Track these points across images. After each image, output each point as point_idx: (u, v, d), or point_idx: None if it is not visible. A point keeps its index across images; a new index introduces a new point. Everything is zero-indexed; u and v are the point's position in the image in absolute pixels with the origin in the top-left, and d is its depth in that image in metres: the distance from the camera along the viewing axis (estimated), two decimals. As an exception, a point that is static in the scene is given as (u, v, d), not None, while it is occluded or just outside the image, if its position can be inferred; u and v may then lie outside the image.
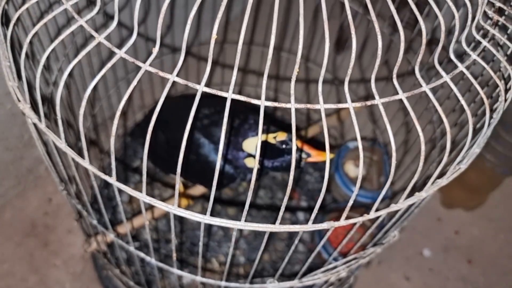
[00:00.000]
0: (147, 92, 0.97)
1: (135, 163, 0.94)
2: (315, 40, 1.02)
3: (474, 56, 0.37)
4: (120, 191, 0.39)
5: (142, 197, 0.37)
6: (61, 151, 0.41)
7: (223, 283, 0.52)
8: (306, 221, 0.89)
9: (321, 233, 0.85)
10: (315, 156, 0.60)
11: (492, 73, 0.37)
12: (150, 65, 0.31)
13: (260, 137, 0.31)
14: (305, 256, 0.87)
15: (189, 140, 0.65)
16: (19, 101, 0.40)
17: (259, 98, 0.31)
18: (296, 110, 1.02)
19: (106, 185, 0.90)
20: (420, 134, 0.33)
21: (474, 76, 0.38)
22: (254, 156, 0.62)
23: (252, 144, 0.61)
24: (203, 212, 0.37)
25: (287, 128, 0.55)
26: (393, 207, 0.39)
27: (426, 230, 1.04)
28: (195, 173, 0.68)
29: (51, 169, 0.51)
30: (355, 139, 0.33)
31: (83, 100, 0.32)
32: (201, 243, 0.42)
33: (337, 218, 0.38)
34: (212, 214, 0.37)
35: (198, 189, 0.81)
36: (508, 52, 0.45)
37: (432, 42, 0.84)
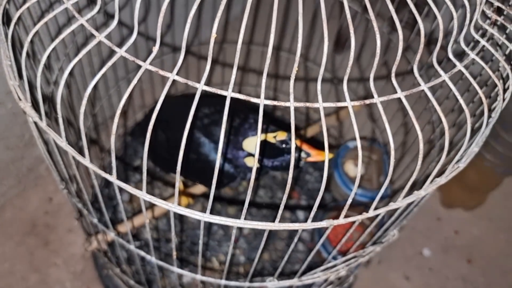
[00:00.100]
0: (147, 92, 0.97)
1: (135, 163, 0.94)
2: (314, 39, 1.02)
3: (472, 55, 0.37)
4: (120, 190, 0.39)
5: (143, 195, 0.37)
6: (62, 149, 0.41)
7: (223, 282, 0.52)
8: (305, 220, 0.89)
9: (320, 232, 0.85)
10: (314, 155, 0.60)
11: (490, 72, 0.38)
12: (151, 64, 0.32)
13: (260, 135, 0.31)
14: (305, 255, 0.88)
15: (190, 139, 0.65)
16: (20, 100, 0.40)
17: (259, 97, 0.31)
18: (296, 109, 1.03)
19: (106, 185, 0.90)
20: (419, 132, 0.33)
21: (473, 76, 0.38)
22: (254, 155, 0.62)
23: (252, 143, 0.62)
24: (203, 211, 0.37)
25: (287, 128, 0.55)
26: (392, 206, 0.39)
27: (426, 229, 1.04)
28: (195, 172, 0.68)
29: (52, 168, 0.52)
30: (355, 139, 0.33)
31: (84, 98, 0.32)
32: (201, 242, 0.43)
33: (337, 217, 0.39)
34: (212, 213, 0.37)
35: (198, 188, 0.81)
36: (507, 52, 0.45)
37: (432, 41, 0.85)
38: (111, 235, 0.55)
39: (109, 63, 0.31)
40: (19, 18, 0.38)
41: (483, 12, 0.42)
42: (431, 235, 1.03)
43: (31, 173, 0.96)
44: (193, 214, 0.37)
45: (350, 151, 0.93)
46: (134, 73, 0.89)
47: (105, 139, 0.94)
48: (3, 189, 0.92)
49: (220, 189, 0.88)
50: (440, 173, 0.42)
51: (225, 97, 0.31)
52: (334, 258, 0.54)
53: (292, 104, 0.31)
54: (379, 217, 0.41)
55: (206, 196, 0.84)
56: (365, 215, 0.38)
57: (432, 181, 0.40)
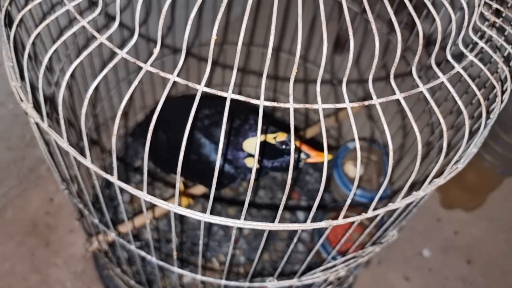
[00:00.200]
0: (148, 93, 0.97)
1: (136, 163, 0.94)
2: (314, 41, 1.02)
3: (471, 57, 0.37)
4: (121, 190, 0.40)
5: (143, 195, 0.37)
6: (63, 150, 0.41)
7: (223, 282, 0.53)
8: (305, 221, 0.90)
9: (320, 232, 0.86)
10: (314, 156, 0.60)
11: (488, 74, 0.38)
12: (151, 65, 0.32)
13: (259, 136, 0.32)
14: (305, 256, 0.88)
15: (190, 140, 0.65)
16: (22, 101, 0.40)
17: (259, 98, 0.31)
18: (296, 110, 1.03)
19: (107, 185, 0.91)
20: (417, 133, 0.34)
21: (471, 78, 0.38)
22: (254, 156, 0.62)
23: (252, 144, 0.62)
24: (204, 211, 0.37)
25: (287, 129, 0.55)
26: (391, 206, 0.39)
27: (426, 230, 1.04)
28: (196, 173, 0.69)
29: (53, 168, 0.52)
30: (355, 140, 0.33)
31: (85, 99, 0.33)
32: (201, 242, 0.43)
33: (336, 217, 0.39)
34: (212, 214, 0.37)
35: (199, 189, 0.81)
36: (505, 54, 0.45)
37: (432, 43, 0.85)
38: (112, 235, 0.55)
39: (110, 65, 0.32)
40: (21, 20, 0.38)
41: (481, 14, 0.42)
42: (431, 236, 1.04)
43: (32, 174, 0.96)
44: (193, 214, 0.37)
45: (350, 152, 0.93)
46: (135, 75, 0.89)
47: (106, 140, 0.95)
48: (4, 189, 0.92)
49: (220, 189, 0.88)
50: (439, 174, 0.42)
51: (225, 98, 0.31)
52: (334, 258, 0.54)
53: (291, 105, 0.31)
54: (378, 218, 0.42)
55: (206, 196, 0.84)
56: (364, 216, 0.38)
57: (431, 181, 0.40)
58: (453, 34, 0.36)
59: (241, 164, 0.64)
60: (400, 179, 0.86)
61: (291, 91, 0.32)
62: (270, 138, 0.60)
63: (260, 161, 0.61)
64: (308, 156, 0.60)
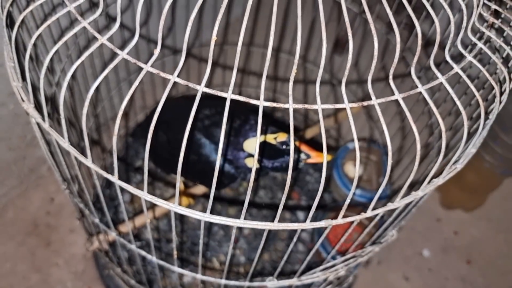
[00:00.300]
0: (148, 93, 0.98)
1: (137, 164, 0.94)
2: (314, 41, 1.02)
3: (469, 57, 0.37)
4: (122, 190, 0.40)
5: (144, 195, 0.38)
6: (64, 150, 0.41)
7: (223, 281, 0.53)
8: (305, 221, 0.90)
9: (320, 232, 0.86)
10: (314, 157, 0.61)
11: (487, 75, 0.38)
12: (152, 66, 0.32)
13: (259, 136, 0.32)
14: (305, 256, 0.88)
15: (190, 141, 0.66)
16: (23, 101, 0.40)
17: (259, 98, 0.32)
18: (295, 111, 1.03)
19: (108, 185, 0.91)
20: (415, 133, 0.34)
21: (470, 79, 0.39)
22: (253, 156, 0.63)
23: (253, 144, 0.62)
24: (204, 211, 0.38)
25: (287, 129, 0.56)
26: (390, 206, 0.39)
27: (426, 230, 1.04)
28: (196, 173, 0.69)
29: (54, 168, 0.52)
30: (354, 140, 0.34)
31: (86, 100, 0.33)
32: (201, 241, 0.43)
33: (335, 217, 0.39)
34: (212, 214, 0.37)
35: (199, 189, 0.82)
36: (504, 55, 0.45)
37: (432, 43, 0.85)
38: (113, 234, 0.55)
39: (111, 65, 0.32)
40: (23, 21, 0.39)
41: (480, 15, 0.43)
42: (430, 236, 1.04)
43: (32, 174, 0.96)
44: (193, 214, 0.37)
45: (350, 152, 0.93)
46: (136, 75, 0.90)
47: (106, 140, 0.95)
48: (5, 189, 0.93)
49: (220, 189, 0.88)
50: (438, 174, 0.42)
51: (225, 98, 0.31)
52: (333, 258, 0.54)
53: (291, 105, 0.32)
54: (378, 217, 0.42)
55: (206, 196, 0.84)
56: (363, 215, 0.39)
57: (430, 181, 0.40)
58: (451, 35, 0.36)
59: (242, 164, 0.64)
60: (400, 179, 0.86)
61: (290, 91, 0.32)
62: (271, 138, 0.61)
63: (260, 161, 0.61)
64: (308, 156, 0.61)
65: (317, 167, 0.99)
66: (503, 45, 0.42)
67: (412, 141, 0.83)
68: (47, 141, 0.48)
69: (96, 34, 0.33)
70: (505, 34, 0.46)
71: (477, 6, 0.39)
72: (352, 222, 0.40)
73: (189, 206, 0.86)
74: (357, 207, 0.85)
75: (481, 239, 1.05)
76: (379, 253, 0.97)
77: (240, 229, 0.88)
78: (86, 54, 0.33)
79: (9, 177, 0.91)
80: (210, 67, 0.31)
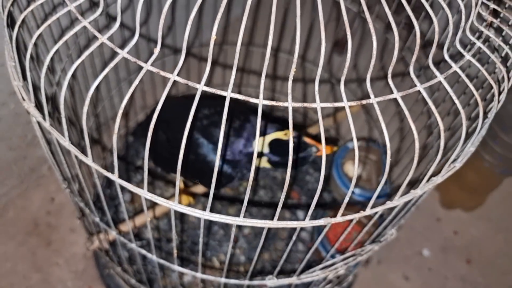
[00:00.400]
0: (149, 93, 0.98)
1: (137, 163, 0.95)
2: (314, 41, 1.03)
3: (468, 56, 0.38)
4: (122, 189, 0.40)
5: (144, 193, 0.38)
6: (65, 149, 0.42)
7: (223, 280, 0.53)
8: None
9: (320, 231, 0.86)
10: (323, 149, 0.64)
11: (486, 74, 0.38)
12: (152, 65, 0.32)
13: (258, 136, 0.32)
14: (305, 255, 0.88)
15: (189, 140, 0.66)
16: (24, 100, 0.41)
17: (258, 98, 0.32)
18: (295, 110, 1.03)
19: (108, 185, 0.91)
20: (414, 130, 0.34)
21: (469, 79, 0.39)
22: (264, 155, 0.64)
23: (265, 142, 0.63)
24: (204, 210, 0.38)
25: (293, 127, 0.57)
26: (389, 204, 0.40)
27: (425, 230, 1.04)
28: (194, 172, 0.69)
29: (55, 167, 0.52)
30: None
31: (86, 99, 0.33)
32: (201, 240, 0.43)
33: (335, 216, 0.39)
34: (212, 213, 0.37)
35: (199, 187, 0.82)
36: (503, 54, 0.46)
37: (432, 43, 0.85)
38: (113, 233, 0.55)
39: (111, 64, 0.32)
40: (23, 20, 0.39)
41: (479, 14, 0.43)
42: (430, 236, 1.04)
43: (33, 173, 0.97)
44: (193, 212, 0.38)
45: (350, 152, 0.93)
46: (136, 75, 0.90)
47: (107, 140, 0.95)
48: (5, 189, 0.93)
49: (219, 189, 0.88)
50: (437, 172, 0.42)
51: (225, 98, 0.32)
52: (333, 257, 0.55)
53: (290, 104, 0.32)
54: (377, 216, 0.42)
55: (207, 196, 0.84)
56: (362, 213, 0.39)
57: (428, 180, 0.41)
58: (450, 34, 0.36)
59: (241, 160, 0.65)
60: (400, 178, 0.87)
61: (289, 90, 0.32)
62: (281, 135, 0.63)
63: (271, 159, 0.64)
64: (317, 149, 0.64)
65: (317, 167, 0.99)
66: (502, 44, 0.42)
67: (411, 141, 0.83)
68: (47, 140, 0.48)
69: (97, 33, 0.34)
70: (504, 33, 0.46)
71: (476, 5, 0.39)
72: (351, 221, 0.40)
73: (189, 205, 0.86)
74: (356, 206, 0.85)
75: (481, 239, 1.05)
76: (379, 253, 0.97)
77: (240, 228, 0.88)
78: (87, 53, 0.33)
79: (9, 176, 0.92)
80: (209, 66, 0.31)
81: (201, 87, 0.32)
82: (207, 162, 0.66)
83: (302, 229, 0.89)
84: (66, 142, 0.39)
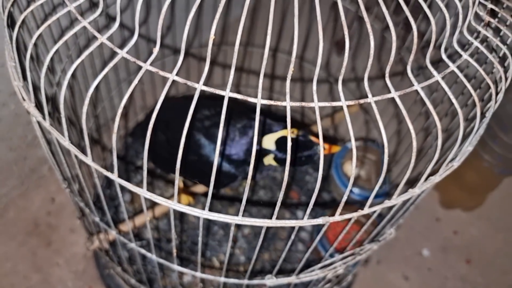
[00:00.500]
0: (148, 93, 0.98)
1: (137, 164, 0.95)
2: (313, 41, 1.03)
3: (465, 56, 0.38)
4: (122, 189, 0.40)
5: (143, 193, 0.38)
6: (65, 149, 0.42)
7: (222, 279, 0.53)
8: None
9: (319, 231, 0.86)
10: (328, 148, 0.65)
11: (483, 73, 0.38)
12: (151, 65, 0.33)
13: (256, 134, 0.32)
14: (305, 255, 0.88)
15: (189, 141, 0.66)
16: (24, 100, 0.41)
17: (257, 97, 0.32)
18: (294, 110, 1.04)
19: (108, 186, 0.91)
20: (411, 128, 0.34)
21: (467, 79, 0.39)
22: (271, 152, 0.64)
23: (272, 140, 0.63)
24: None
25: (298, 125, 0.57)
26: (387, 203, 0.40)
27: (425, 230, 1.04)
28: (196, 173, 0.69)
29: (55, 167, 0.53)
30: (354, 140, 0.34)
31: (86, 98, 0.33)
32: (200, 239, 0.43)
33: (333, 215, 0.39)
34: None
35: (199, 187, 0.82)
36: (501, 54, 0.46)
37: (431, 42, 0.85)
38: (113, 233, 0.55)
39: (111, 64, 0.32)
40: (23, 21, 0.39)
41: (476, 14, 0.43)
42: (430, 235, 1.04)
43: (33, 174, 0.97)
44: (192, 211, 0.38)
45: (349, 152, 0.94)
46: (136, 75, 0.90)
47: (107, 141, 0.95)
48: (6, 189, 0.93)
49: (220, 188, 0.89)
50: (435, 172, 0.43)
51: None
52: (332, 256, 0.55)
53: (288, 103, 0.32)
54: (375, 215, 0.42)
55: (207, 195, 0.84)
56: (360, 212, 0.39)
57: (426, 179, 0.41)
58: (447, 34, 0.36)
59: (246, 159, 0.65)
60: (398, 178, 0.87)
61: (287, 89, 0.32)
62: (287, 133, 0.64)
63: (277, 156, 0.64)
64: (323, 148, 0.64)
65: (317, 167, 0.99)
66: (500, 44, 0.43)
67: (409, 141, 0.84)
68: (47, 140, 0.48)
69: (96, 34, 0.34)
70: (501, 33, 0.46)
71: (473, 5, 0.40)
72: (350, 220, 0.40)
73: (189, 205, 0.86)
74: (355, 206, 0.85)
75: (481, 239, 1.06)
76: (378, 253, 0.97)
77: (240, 228, 0.88)
78: (86, 53, 0.34)
79: (10, 177, 0.92)
80: (208, 65, 0.32)
81: (199, 86, 0.32)
82: (210, 163, 0.66)
83: (301, 229, 0.89)
84: (66, 142, 0.39)
